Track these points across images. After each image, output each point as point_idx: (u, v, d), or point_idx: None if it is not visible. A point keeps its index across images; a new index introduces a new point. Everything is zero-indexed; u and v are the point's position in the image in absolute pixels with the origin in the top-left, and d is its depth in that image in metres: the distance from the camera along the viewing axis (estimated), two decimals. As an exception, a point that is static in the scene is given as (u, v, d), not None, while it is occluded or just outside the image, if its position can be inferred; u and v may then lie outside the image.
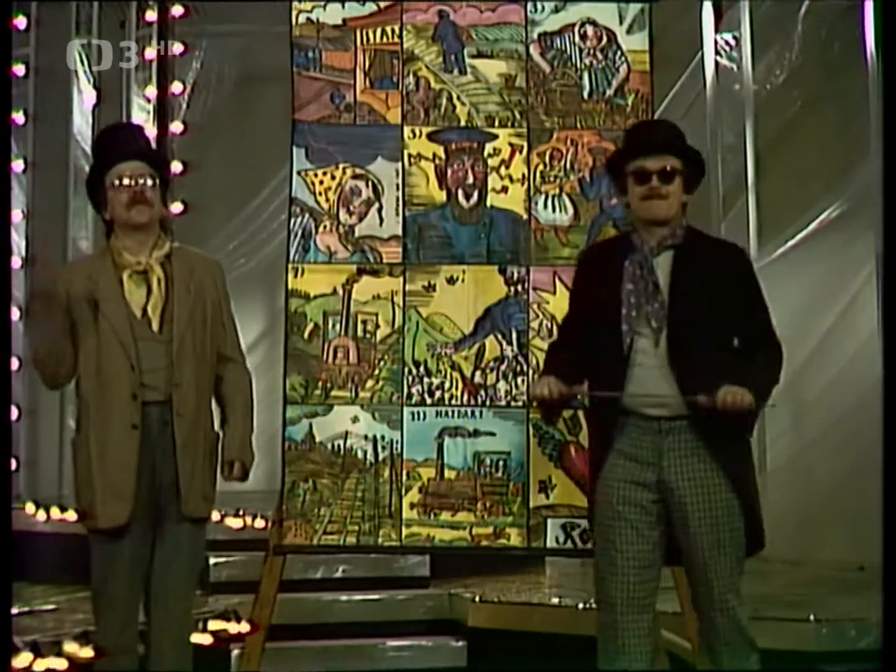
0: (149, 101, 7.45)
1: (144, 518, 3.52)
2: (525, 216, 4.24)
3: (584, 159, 4.21)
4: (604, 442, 3.48)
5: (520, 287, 4.16)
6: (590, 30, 4.34)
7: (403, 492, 4.10)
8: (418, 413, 4.14)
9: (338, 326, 4.18)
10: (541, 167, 4.26)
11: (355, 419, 4.14)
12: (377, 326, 4.18)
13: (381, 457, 4.12)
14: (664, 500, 3.43)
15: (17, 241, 7.33)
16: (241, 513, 5.77)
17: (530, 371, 4.10)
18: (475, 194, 4.25)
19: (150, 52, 7.45)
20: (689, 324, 3.41)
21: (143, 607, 3.60)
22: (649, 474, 3.43)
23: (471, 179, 4.25)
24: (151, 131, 7.04)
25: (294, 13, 4.33)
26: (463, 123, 4.29)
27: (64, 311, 3.55)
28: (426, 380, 4.15)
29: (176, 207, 6.89)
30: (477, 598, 5.26)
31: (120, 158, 3.62)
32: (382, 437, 4.13)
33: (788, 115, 7.01)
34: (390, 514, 4.09)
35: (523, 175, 4.25)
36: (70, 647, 4.29)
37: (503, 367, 4.11)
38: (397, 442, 4.12)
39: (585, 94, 4.31)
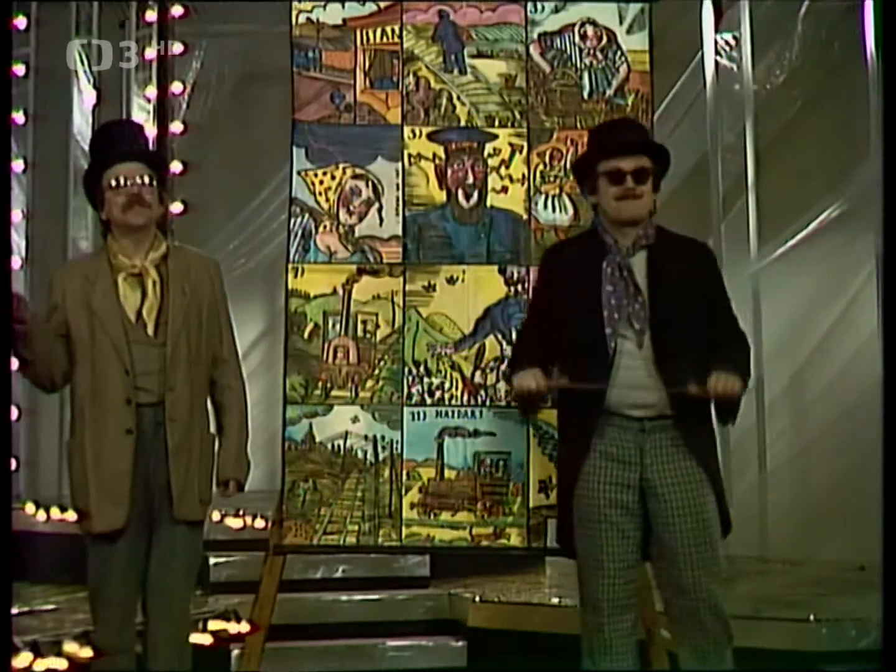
0: (149, 101, 7.44)
1: (139, 519, 3.52)
2: (525, 216, 4.24)
3: (585, 159, 4.21)
4: (582, 443, 3.48)
5: (520, 287, 4.16)
6: (590, 30, 4.34)
7: (403, 492, 4.10)
8: (418, 413, 4.14)
9: (338, 326, 4.18)
10: (541, 167, 4.26)
11: (355, 419, 4.14)
12: (377, 326, 4.18)
13: (381, 457, 4.12)
14: (645, 497, 3.46)
15: (17, 241, 7.32)
16: (241, 513, 5.77)
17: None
18: (475, 194, 4.25)
19: (150, 52, 7.44)
20: (670, 323, 3.43)
21: (141, 608, 3.60)
22: (632, 474, 3.45)
23: (471, 179, 4.25)
24: (151, 131, 7.03)
25: (294, 13, 4.33)
26: (463, 123, 4.29)
27: (60, 313, 3.55)
28: (426, 380, 4.15)
29: (176, 207, 6.89)
30: (477, 598, 5.26)
31: (118, 159, 3.61)
32: (382, 437, 4.13)
33: (788, 115, 7.01)
34: (390, 514, 4.09)
35: (523, 175, 4.25)
36: (70, 647, 4.29)
37: (503, 367, 4.10)
38: (397, 442, 4.12)
39: (585, 94, 4.31)
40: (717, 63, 7.14)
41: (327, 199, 4.24)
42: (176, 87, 7.46)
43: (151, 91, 7.42)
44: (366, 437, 4.13)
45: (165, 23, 7.41)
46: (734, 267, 6.81)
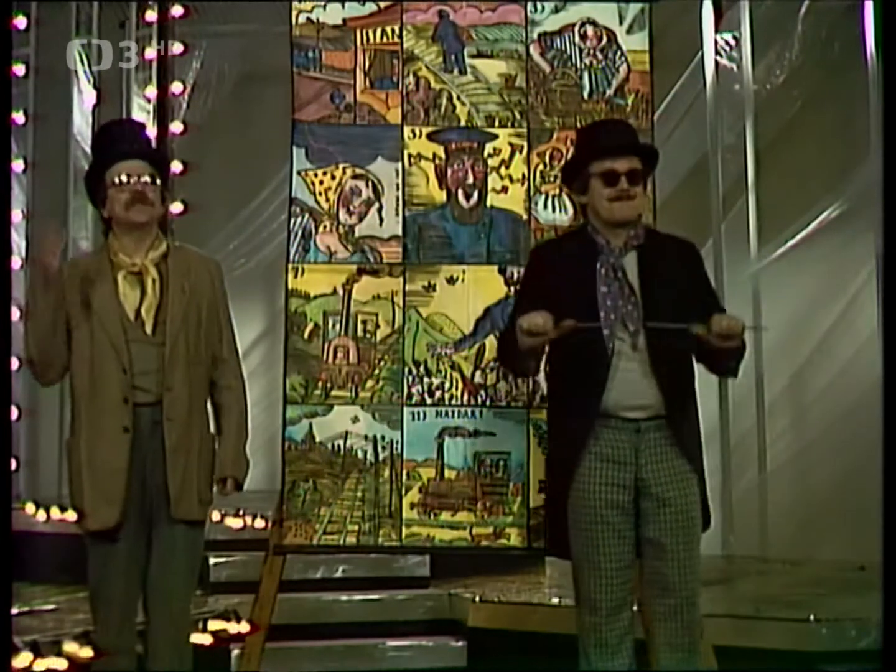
0: (149, 101, 7.44)
1: (138, 519, 3.51)
2: (525, 216, 4.24)
3: (585, 159, 4.20)
4: (577, 445, 3.48)
5: (519, 287, 4.15)
6: (590, 30, 4.34)
7: (403, 492, 4.10)
8: (418, 413, 4.14)
9: (338, 326, 4.18)
10: (541, 167, 4.26)
11: (355, 419, 4.14)
12: (377, 326, 4.18)
13: (381, 457, 4.12)
14: (639, 496, 3.47)
15: (17, 241, 7.32)
16: (241, 513, 5.77)
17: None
18: (475, 194, 4.24)
19: (150, 52, 7.44)
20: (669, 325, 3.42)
21: (142, 607, 3.60)
22: (627, 474, 3.46)
23: (471, 179, 4.25)
24: (151, 131, 7.03)
25: (294, 13, 4.33)
26: (463, 123, 4.29)
27: (60, 308, 3.55)
28: (426, 380, 4.15)
29: (176, 207, 6.89)
30: (477, 598, 5.26)
31: (121, 156, 3.61)
32: (382, 437, 4.13)
33: (788, 115, 7.02)
34: (390, 514, 4.09)
35: (523, 175, 4.25)
36: (70, 647, 4.28)
37: (502, 369, 4.10)
38: (397, 442, 4.12)
39: (585, 94, 4.31)
40: (717, 63, 7.15)
41: (327, 199, 4.24)
42: (176, 87, 7.46)
43: (151, 91, 7.42)
44: (366, 437, 4.13)
45: (165, 23, 7.41)
46: (734, 267, 6.83)
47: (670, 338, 3.41)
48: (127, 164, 3.60)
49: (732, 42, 7.11)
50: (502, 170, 4.25)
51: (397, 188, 4.24)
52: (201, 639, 4.53)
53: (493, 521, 4.09)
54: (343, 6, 4.33)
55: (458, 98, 4.30)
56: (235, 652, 4.73)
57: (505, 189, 4.25)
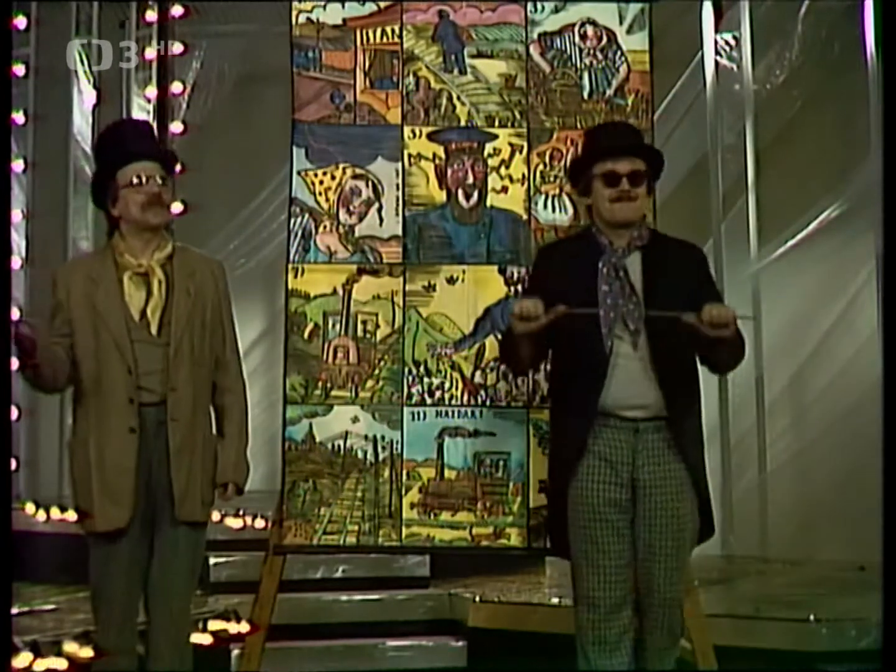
0: (149, 101, 7.44)
1: (141, 519, 3.51)
2: (525, 216, 4.23)
3: (585, 159, 4.20)
4: (576, 444, 3.50)
5: (520, 287, 4.15)
6: (590, 30, 4.34)
7: (403, 492, 4.10)
8: (418, 413, 4.14)
9: (338, 326, 4.18)
10: (541, 167, 4.26)
11: (355, 419, 4.14)
12: (377, 326, 4.17)
13: (381, 457, 4.11)
14: (634, 496, 3.49)
15: (17, 241, 7.32)
16: (241, 513, 5.77)
17: (530, 371, 4.09)
18: (475, 194, 4.24)
19: (150, 52, 7.44)
20: (666, 324, 3.42)
21: (143, 608, 3.60)
22: (624, 473, 3.49)
23: (471, 179, 4.25)
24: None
25: (294, 13, 4.32)
26: (463, 123, 4.29)
27: (64, 312, 3.55)
28: (426, 380, 4.15)
29: (176, 207, 6.88)
30: (477, 598, 5.26)
31: (135, 157, 3.59)
32: (382, 437, 4.13)
33: (788, 115, 7.02)
34: (390, 514, 4.09)
35: (523, 175, 4.25)
36: (70, 647, 4.29)
37: (503, 367, 4.10)
38: (397, 442, 4.12)
39: (585, 94, 4.31)
40: (717, 63, 7.15)
41: (327, 199, 4.24)
42: (176, 87, 7.46)
43: (151, 91, 7.42)
44: (366, 437, 4.13)
45: (165, 23, 7.41)
46: (734, 267, 6.83)
47: (670, 337, 3.42)
48: (141, 165, 3.58)
49: (732, 42, 7.11)
50: (502, 170, 4.25)
51: (397, 188, 4.24)
52: (201, 639, 4.54)
53: (493, 521, 4.09)
54: (343, 6, 4.33)
55: (458, 98, 4.30)
56: (235, 652, 4.73)
57: (505, 189, 4.25)
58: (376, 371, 4.15)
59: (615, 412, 3.47)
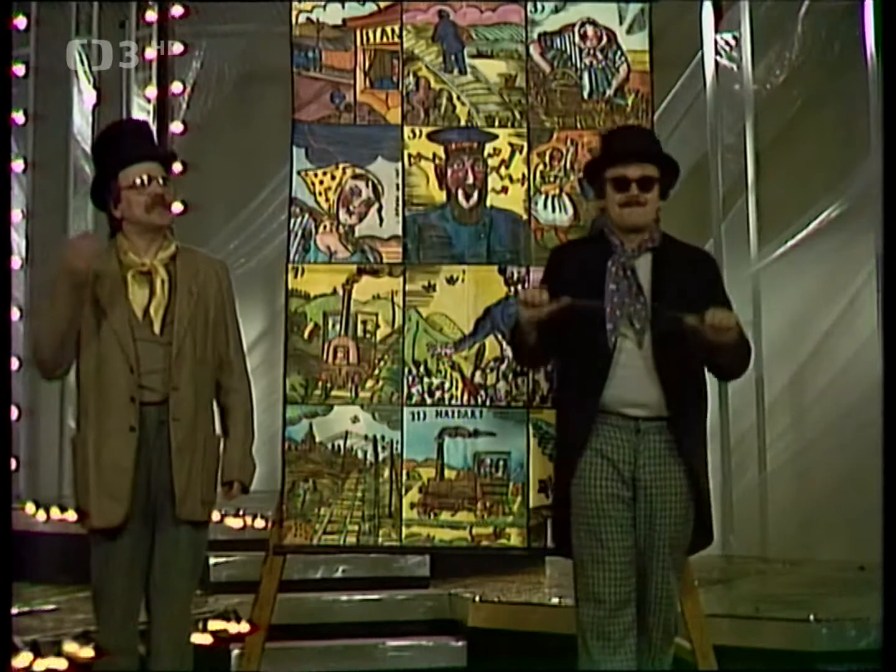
0: (149, 101, 7.44)
1: (141, 518, 3.51)
2: (525, 216, 4.23)
3: (584, 159, 4.17)
4: (579, 441, 3.52)
5: (520, 287, 4.15)
6: (590, 30, 4.34)
7: (403, 492, 4.10)
8: (418, 413, 4.14)
9: (338, 326, 4.18)
10: (541, 167, 4.26)
11: (355, 419, 4.14)
12: (377, 326, 4.18)
13: (381, 457, 4.12)
14: (635, 495, 3.50)
15: (17, 241, 7.32)
16: (241, 513, 5.77)
17: (530, 371, 4.10)
18: (475, 194, 4.24)
19: (150, 52, 7.44)
20: (673, 325, 3.43)
21: (145, 607, 3.60)
22: (626, 471, 3.51)
23: (471, 179, 4.25)
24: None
25: (294, 13, 4.32)
26: (463, 123, 4.29)
27: (79, 310, 3.54)
28: (426, 380, 4.15)
29: (176, 207, 6.87)
30: (477, 598, 5.26)
31: (137, 158, 3.60)
32: (382, 437, 4.13)
33: (788, 115, 7.01)
34: (390, 514, 4.09)
35: (523, 175, 4.25)
36: (70, 647, 4.29)
37: (503, 367, 4.11)
38: (397, 442, 4.12)
39: (585, 94, 4.31)
40: (717, 63, 7.14)
41: (327, 199, 4.24)
42: (176, 87, 7.47)
43: (151, 91, 7.42)
44: (366, 437, 4.13)
45: (165, 23, 7.41)
46: (734, 267, 6.82)
47: (677, 339, 3.43)
48: (144, 166, 3.59)
49: (732, 42, 7.11)
50: (502, 170, 4.25)
51: (397, 188, 4.24)
52: (201, 639, 4.54)
53: (493, 521, 4.09)
54: (343, 6, 4.33)
55: (458, 98, 4.30)
56: (235, 652, 4.73)
57: (505, 189, 4.25)
58: (376, 371, 4.16)
59: (616, 409, 3.48)
